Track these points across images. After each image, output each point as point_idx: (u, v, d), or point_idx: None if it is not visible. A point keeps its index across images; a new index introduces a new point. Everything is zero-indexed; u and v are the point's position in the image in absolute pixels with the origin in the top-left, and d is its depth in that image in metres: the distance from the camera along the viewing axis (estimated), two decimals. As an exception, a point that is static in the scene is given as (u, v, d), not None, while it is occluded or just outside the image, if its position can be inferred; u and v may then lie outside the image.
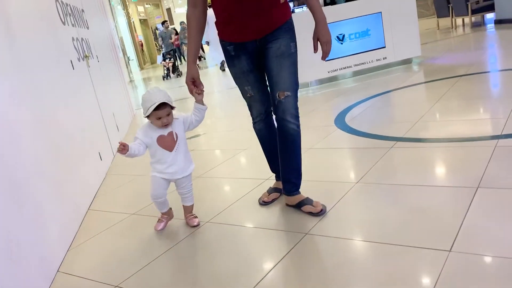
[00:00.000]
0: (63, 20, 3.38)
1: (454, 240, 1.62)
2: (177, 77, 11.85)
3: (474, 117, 3.15)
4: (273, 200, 2.36)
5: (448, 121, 3.17)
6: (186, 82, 2.08)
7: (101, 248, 2.26)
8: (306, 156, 2.97)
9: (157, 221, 2.32)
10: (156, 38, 16.74)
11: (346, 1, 5.89)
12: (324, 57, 2.03)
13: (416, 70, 5.58)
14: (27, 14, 2.58)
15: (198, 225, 2.26)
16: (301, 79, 5.59)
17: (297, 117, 2.07)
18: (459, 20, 10.24)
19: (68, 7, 3.71)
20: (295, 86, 2.05)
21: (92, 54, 4.18)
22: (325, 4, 5.99)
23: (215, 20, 2.09)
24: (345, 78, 5.85)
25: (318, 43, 2.02)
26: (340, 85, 5.52)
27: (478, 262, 1.48)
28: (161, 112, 2.07)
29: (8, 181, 1.80)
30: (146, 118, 2.13)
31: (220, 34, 2.11)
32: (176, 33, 13.88)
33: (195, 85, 2.08)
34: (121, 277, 1.90)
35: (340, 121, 3.72)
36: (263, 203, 2.35)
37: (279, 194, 2.38)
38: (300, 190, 2.20)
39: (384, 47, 5.79)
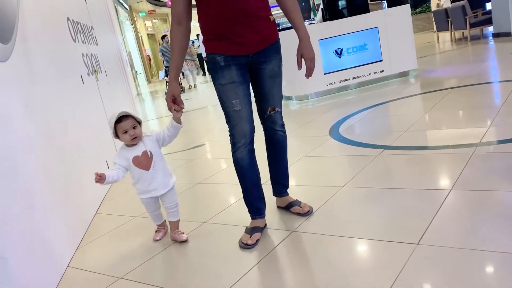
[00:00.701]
0: (74, 38, 3.63)
1: (423, 235, 1.81)
2: (181, 92, 11.95)
3: (459, 126, 3.33)
4: (257, 241, 2.11)
5: (434, 130, 3.36)
6: (166, 99, 2.06)
7: (107, 247, 2.47)
8: (300, 163, 3.18)
9: (155, 232, 2.42)
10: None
11: (349, 15, 6.11)
12: (308, 74, 2.11)
13: (412, 82, 5.78)
14: (41, 33, 2.83)
15: (186, 240, 2.29)
16: (301, 92, 5.94)
17: (283, 125, 2.28)
18: (458, 34, 10.46)
19: (79, 25, 3.97)
20: (281, 100, 2.24)
21: (100, 69, 4.44)
22: (324, 19, 6.22)
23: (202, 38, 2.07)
24: (343, 91, 6.05)
25: (303, 60, 2.10)
26: (338, 97, 5.73)
27: (442, 253, 1.66)
28: (125, 124, 2.08)
29: (23, 187, 2.02)
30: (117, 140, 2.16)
31: (208, 49, 2.04)
32: None
33: (175, 103, 2.07)
34: (125, 270, 2.10)
35: (335, 131, 3.91)
36: (246, 246, 2.08)
37: (260, 233, 2.17)
38: (289, 192, 2.40)
39: (381, 60, 6.01)
